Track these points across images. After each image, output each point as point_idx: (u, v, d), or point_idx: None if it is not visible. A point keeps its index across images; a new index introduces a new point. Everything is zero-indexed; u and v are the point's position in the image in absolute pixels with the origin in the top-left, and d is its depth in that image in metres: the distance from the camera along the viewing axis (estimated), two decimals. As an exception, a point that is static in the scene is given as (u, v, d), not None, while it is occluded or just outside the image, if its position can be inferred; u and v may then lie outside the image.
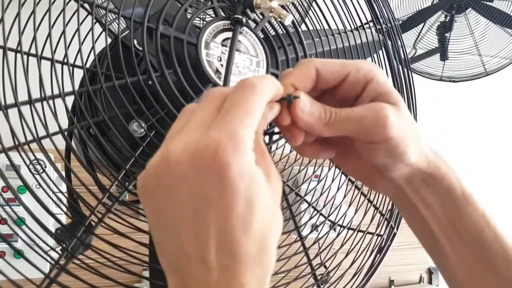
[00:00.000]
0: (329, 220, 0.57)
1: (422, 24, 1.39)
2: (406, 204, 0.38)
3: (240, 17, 0.41)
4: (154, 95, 0.40)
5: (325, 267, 0.53)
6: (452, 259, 0.37)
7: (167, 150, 0.25)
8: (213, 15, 0.43)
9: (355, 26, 0.58)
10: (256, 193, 0.25)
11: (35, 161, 0.43)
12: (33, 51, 0.39)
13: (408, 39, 1.40)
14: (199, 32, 0.40)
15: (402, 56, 0.58)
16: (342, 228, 0.57)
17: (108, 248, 0.40)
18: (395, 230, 0.54)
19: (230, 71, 0.39)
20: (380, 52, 0.58)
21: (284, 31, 0.47)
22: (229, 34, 0.41)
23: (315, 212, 0.57)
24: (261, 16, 0.45)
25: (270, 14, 0.42)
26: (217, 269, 0.25)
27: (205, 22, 0.41)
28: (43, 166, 0.43)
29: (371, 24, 0.60)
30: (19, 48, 0.38)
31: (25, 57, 0.39)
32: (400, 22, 1.36)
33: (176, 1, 0.41)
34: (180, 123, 0.27)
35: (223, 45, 0.41)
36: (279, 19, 0.43)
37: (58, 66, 0.40)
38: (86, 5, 0.42)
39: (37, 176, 0.41)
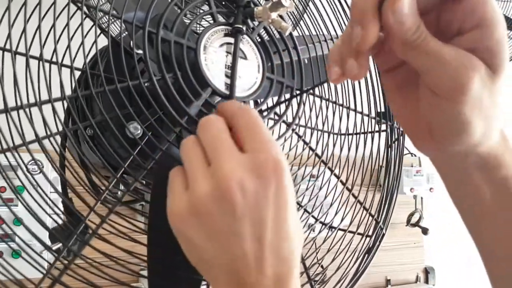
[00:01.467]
0: (321, 222, 0.58)
1: None
2: (448, 175, 0.37)
3: (241, 26, 0.42)
4: (150, 97, 0.41)
5: (322, 267, 0.55)
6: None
7: (224, 175, 0.30)
8: (211, 21, 0.44)
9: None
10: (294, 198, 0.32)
11: (33, 161, 0.43)
12: (29, 52, 0.40)
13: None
14: (198, 37, 0.40)
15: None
16: (331, 229, 0.58)
17: (106, 248, 0.40)
18: (384, 231, 0.56)
19: (235, 81, 0.41)
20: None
21: (279, 36, 0.48)
22: (227, 39, 0.42)
23: (306, 213, 0.59)
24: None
25: (270, 25, 0.44)
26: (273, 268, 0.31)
27: (202, 28, 0.42)
28: (41, 166, 0.43)
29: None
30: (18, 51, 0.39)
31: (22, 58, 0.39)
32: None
33: (175, 6, 0.42)
34: (197, 155, 0.32)
35: (221, 50, 0.42)
36: (279, 30, 0.44)
37: (54, 67, 0.41)
38: (85, 8, 0.43)
39: (33, 177, 0.41)
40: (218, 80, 0.40)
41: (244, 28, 0.42)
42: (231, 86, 0.40)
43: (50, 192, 0.42)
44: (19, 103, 0.36)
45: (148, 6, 0.39)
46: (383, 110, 0.60)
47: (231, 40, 0.42)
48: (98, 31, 0.41)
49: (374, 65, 0.61)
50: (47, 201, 0.42)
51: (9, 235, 0.41)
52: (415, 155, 1.55)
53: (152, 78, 0.37)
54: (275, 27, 0.43)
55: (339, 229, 0.59)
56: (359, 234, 0.57)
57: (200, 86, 0.39)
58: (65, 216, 0.47)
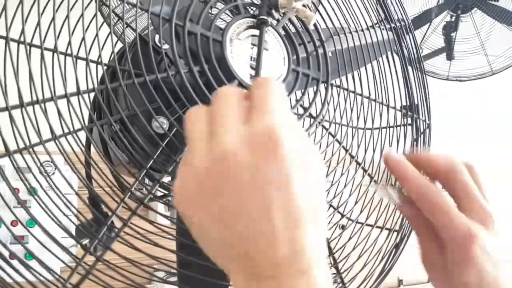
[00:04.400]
0: (347, 218, 0.58)
1: (428, 24, 1.40)
2: None
3: (266, 17, 0.42)
4: (174, 91, 0.40)
5: (336, 268, 0.54)
6: None
7: (223, 147, 0.27)
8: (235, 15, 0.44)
9: (367, 26, 0.59)
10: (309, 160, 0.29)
11: (46, 162, 0.43)
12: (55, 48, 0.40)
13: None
14: (224, 30, 0.40)
15: (415, 54, 0.59)
16: (359, 225, 0.57)
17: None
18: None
19: (260, 72, 0.40)
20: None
21: (304, 28, 0.47)
22: (252, 31, 0.42)
23: (332, 209, 0.58)
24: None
25: (295, 15, 0.43)
26: (285, 233, 0.26)
27: (227, 21, 0.42)
28: (54, 168, 0.43)
29: (384, 22, 0.61)
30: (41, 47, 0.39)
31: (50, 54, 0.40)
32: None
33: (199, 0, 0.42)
34: (201, 127, 0.29)
35: (247, 42, 0.41)
36: (304, 19, 0.44)
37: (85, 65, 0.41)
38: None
39: (48, 178, 0.41)
40: (243, 72, 0.40)
41: (269, 20, 0.42)
42: (256, 78, 0.39)
43: (65, 194, 0.41)
44: (35, 98, 0.36)
45: (173, 1, 0.39)
46: (408, 103, 0.59)
47: (256, 32, 0.42)
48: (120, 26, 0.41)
49: (400, 55, 0.61)
50: (64, 202, 0.42)
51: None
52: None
53: (179, 71, 0.37)
54: (300, 16, 0.42)
55: (367, 224, 0.58)
56: (386, 229, 0.56)
57: (226, 78, 0.39)
58: (92, 212, 0.47)
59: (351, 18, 0.57)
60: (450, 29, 1.40)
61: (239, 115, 0.29)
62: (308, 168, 0.28)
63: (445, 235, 0.38)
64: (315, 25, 0.47)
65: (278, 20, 0.44)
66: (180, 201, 0.28)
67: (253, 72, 0.41)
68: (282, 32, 0.45)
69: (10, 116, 0.35)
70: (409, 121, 0.59)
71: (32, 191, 0.41)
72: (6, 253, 0.36)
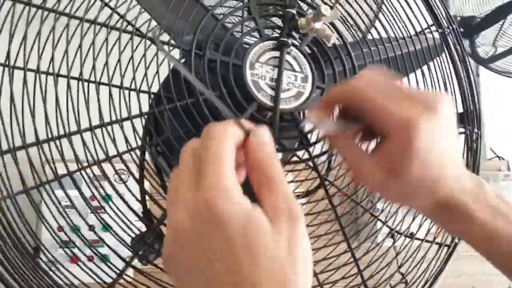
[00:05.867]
0: (396, 232, 0.56)
1: (503, 20, 1.29)
2: None
3: (286, 39, 0.43)
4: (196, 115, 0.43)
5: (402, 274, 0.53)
6: None
7: (174, 222, 0.28)
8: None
9: (415, 32, 0.57)
10: (253, 232, 0.26)
11: (121, 170, 0.48)
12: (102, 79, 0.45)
13: (487, 37, 1.31)
14: (244, 54, 0.42)
15: (466, 59, 0.56)
16: (407, 239, 0.56)
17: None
18: (456, 240, 0.52)
19: (280, 93, 0.42)
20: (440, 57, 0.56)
21: (333, 45, 0.48)
22: (274, 53, 0.43)
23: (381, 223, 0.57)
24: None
25: (315, 35, 0.44)
26: None
27: (253, 39, 0.44)
28: (127, 176, 0.48)
29: (432, 28, 0.59)
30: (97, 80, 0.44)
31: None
32: (479, 19, 1.28)
33: (222, 26, 0.44)
34: (174, 190, 0.29)
35: (267, 64, 0.43)
36: (324, 39, 0.45)
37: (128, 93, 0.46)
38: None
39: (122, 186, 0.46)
40: (264, 93, 0.42)
41: (290, 41, 0.43)
42: (275, 99, 0.41)
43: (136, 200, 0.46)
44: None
45: (195, 29, 0.42)
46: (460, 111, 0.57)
47: (278, 54, 0.43)
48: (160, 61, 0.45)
49: (457, 65, 0.58)
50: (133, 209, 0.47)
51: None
52: (503, 159, 1.40)
53: (198, 97, 0.40)
54: (320, 36, 0.43)
55: (416, 238, 0.56)
56: (436, 243, 0.54)
57: (246, 101, 0.41)
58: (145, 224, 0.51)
59: (398, 26, 0.56)
60: (529, 23, 1.28)
61: (189, 179, 0.28)
62: (257, 247, 0.26)
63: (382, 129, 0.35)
64: (343, 40, 0.48)
65: (301, 39, 0.45)
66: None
67: (273, 93, 0.42)
68: (307, 51, 0.46)
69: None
70: (461, 130, 0.56)
71: (106, 198, 0.47)
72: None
